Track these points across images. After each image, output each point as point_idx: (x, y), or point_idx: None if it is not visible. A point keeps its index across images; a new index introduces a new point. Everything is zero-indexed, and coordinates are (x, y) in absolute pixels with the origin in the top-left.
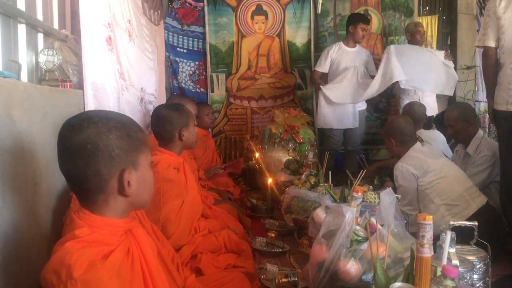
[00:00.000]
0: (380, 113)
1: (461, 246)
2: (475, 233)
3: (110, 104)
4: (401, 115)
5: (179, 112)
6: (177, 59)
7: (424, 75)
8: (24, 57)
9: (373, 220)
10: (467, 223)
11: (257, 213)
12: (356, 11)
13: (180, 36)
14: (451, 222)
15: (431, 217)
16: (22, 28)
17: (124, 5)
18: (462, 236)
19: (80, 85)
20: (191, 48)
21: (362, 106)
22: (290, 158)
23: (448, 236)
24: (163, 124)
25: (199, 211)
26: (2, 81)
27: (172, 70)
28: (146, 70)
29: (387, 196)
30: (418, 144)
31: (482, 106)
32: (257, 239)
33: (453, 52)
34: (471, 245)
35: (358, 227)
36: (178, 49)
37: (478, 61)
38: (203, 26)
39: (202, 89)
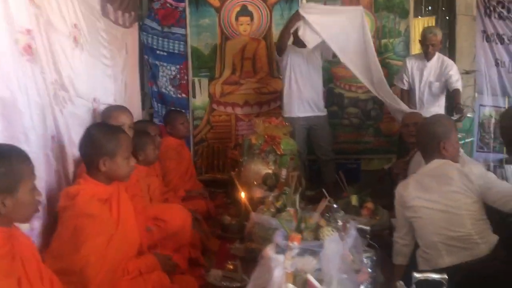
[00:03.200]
0: (373, 121)
1: None
2: None
3: (25, 123)
4: None
5: (109, 137)
6: (156, 62)
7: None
8: None
9: (310, 278)
10: (435, 276)
11: (229, 233)
12: None
13: (160, 38)
14: (416, 275)
15: None
16: None
17: (66, 7)
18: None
19: None
20: (171, 50)
21: (323, 112)
22: (269, 172)
23: None
24: (86, 145)
25: (133, 249)
26: None
27: (151, 74)
28: (101, 78)
29: (333, 244)
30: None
31: (487, 111)
32: (211, 273)
33: (452, 56)
34: None
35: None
36: (158, 51)
37: (478, 65)
38: (185, 27)
39: (183, 95)
